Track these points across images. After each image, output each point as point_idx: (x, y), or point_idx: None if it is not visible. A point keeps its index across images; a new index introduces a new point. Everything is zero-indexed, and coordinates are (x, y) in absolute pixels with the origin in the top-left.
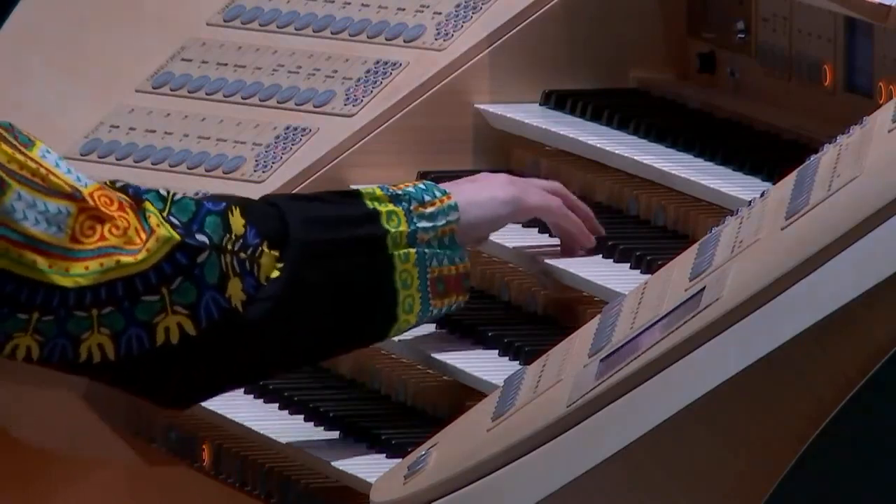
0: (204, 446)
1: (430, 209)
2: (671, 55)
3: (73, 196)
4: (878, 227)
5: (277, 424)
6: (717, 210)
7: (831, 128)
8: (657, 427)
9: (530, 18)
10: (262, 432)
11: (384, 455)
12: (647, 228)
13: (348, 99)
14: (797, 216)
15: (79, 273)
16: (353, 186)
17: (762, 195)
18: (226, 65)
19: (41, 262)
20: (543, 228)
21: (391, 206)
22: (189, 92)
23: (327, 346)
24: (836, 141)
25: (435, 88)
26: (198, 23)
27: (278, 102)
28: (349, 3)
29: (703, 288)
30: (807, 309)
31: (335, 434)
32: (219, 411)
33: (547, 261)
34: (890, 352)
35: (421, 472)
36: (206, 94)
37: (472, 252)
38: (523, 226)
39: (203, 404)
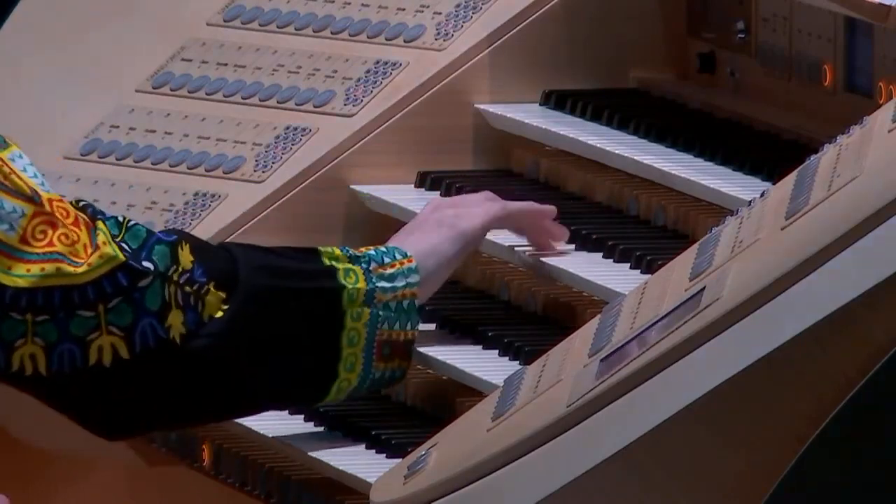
0: (204, 446)
1: (389, 270)
2: (671, 55)
3: (32, 199)
4: (878, 227)
5: (277, 424)
6: (717, 210)
7: (831, 128)
8: (657, 427)
9: (530, 18)
10: (262, 432)
11: (384, 455)
12: (647, 228)
13: (348, 99)
14: (797, 216)
15: (19, 274)
16: (319, 247)
17: (762, 195)
18: (226, 65)
19: None
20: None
21: (349, 265)
22: (189, 92)
23: (262, 396)
24: (836, 141)
25: (435, 88)
26: (198, 23)
27: (278, 102)
28: (349, 3)
29: (703, 288)
30: (807, 309)
31: (335, 434)
32: None
33: (544, 259)
34: (890, 352)
35: (421, 472)
36: (206, 94)
37: (472, 252)
38: None
39: None
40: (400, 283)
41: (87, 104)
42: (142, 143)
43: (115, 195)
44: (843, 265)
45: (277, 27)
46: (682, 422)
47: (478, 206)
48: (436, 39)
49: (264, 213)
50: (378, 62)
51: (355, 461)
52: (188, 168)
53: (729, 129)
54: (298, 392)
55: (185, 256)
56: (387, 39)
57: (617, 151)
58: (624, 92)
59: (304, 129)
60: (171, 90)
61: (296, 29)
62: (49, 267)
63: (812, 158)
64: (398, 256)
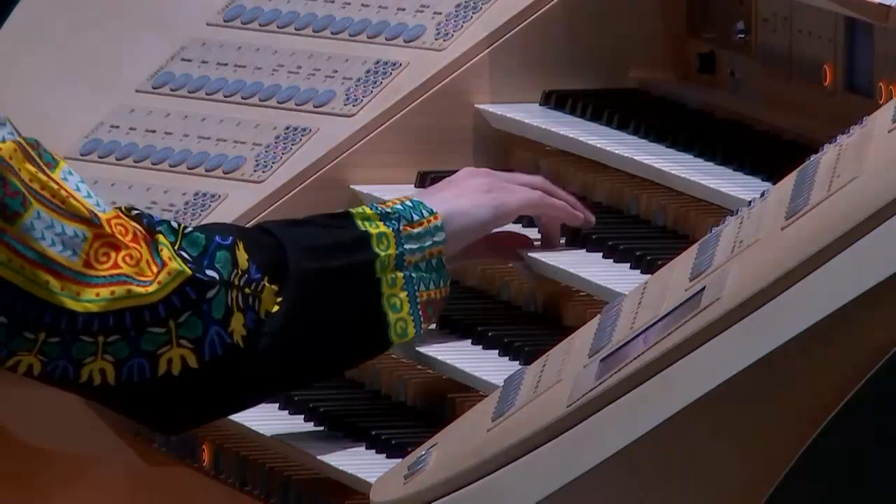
0: (204, 446)
1: (417, 229)
2: (671, 55)
3: (91, 221)
4: (878, 227)
5: (277, 424)
6: (717, 210)
7: (831, 128)
8: (657, 427)
9: (530, 18)
10: (262, 432)
11: (384, 455)
12: (647, 228)
13: (348, 99)
14: (797, 216)
15: (89, 299)
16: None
17: (762, 195)
18: (226, 65)
19: (54, 283)
20: (529, 223)
21: (381, 227)
22: (189, 92)
23: (322, 372)
24: (836, 141)
25: (435, 88)
26: (198, 23)
27: (278, 102)
28: (349, 3)
29: (703, 288)
30: (807, 309)
31: (335, 434)
32: None
33: (534, 255)
34: (890, 352)
35: (421, 472)
36: (206, 94)
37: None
38: (512, 221)
39: None
40: (427, 243)
41: (87, 104)
42: (142, 143)
43: (115, 195)
44: (843, 265)
45: (277, 27)
46: (682, 422)
47: (519, 186)
48: (436, 39)
49: (264, 213)
50: (378, 62)
51: (355, 461)
52: (188, 168)
53: (729, 129)
54: (354, 360)
55: (242, 256)
56: (387, 39)
57: (617, 151)
58: (624, 92)
59: (304, 129)
60: (171, 90)
61: (296, 29)
62: (119, 290)
63: (812, 158)
64: (425, 213)
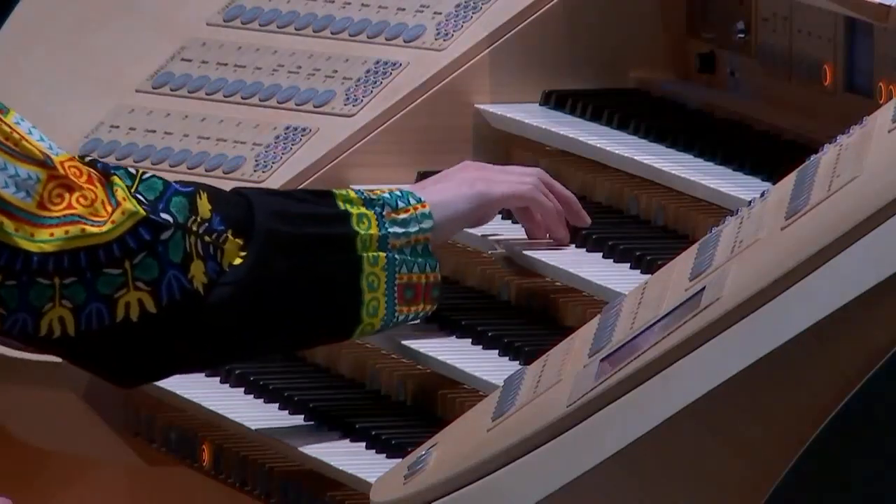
0: (204, 446)
1: (402, 215)
2: (671, 55)
3: (44, 163)
4: (877, 227)
5: (277, 424)
6: (717, 210)
7: (831, 128)
8: (657, 427)
9: (530, 18)
10: (262, 432)
11: (384, 455)
12: (647, 228)
13: (348, 99)
14: (797, 216)
15: (43, 239)
16: (335, 189)
17: (762, 195)
18: (226, 65)
19: (7, 224)
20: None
21: (363, 209)
22: (189, 92)
23: (286, 339)
24: (836, 141)
25: (435, 88)
26: (198, 23)
27: (278, 102)
28: (349, 3)
29: (703, 288)
30: (807, 309)
31: (335, 434)
32: (219, 411)
33: (534, 255)
34: (890, 352)
35: (421, 472)
36: (206, 94)
37: (472, 252)
38: (512, 221)
39: (203, 404)
40: (413, 229)
41: (87, 104)
42: (142, 143)
43: None
44: (843, 265)
45: (277, 27)
46: (682, 422)
47: (508, 177)
48: (436, 39)
49: None
50: (378, 62)
51: (355, 461)
52: (188, 168)
53: (729, 129)
54: (321, 335)
55: (204, 206)
56: (387, 39)
57: (617, 151)
58: (624, 92)
59: (304, 129)
60: (171, 90)
61: (296, 29)
62: (73, 229)
63: (812, 158)
64: (412, 202)
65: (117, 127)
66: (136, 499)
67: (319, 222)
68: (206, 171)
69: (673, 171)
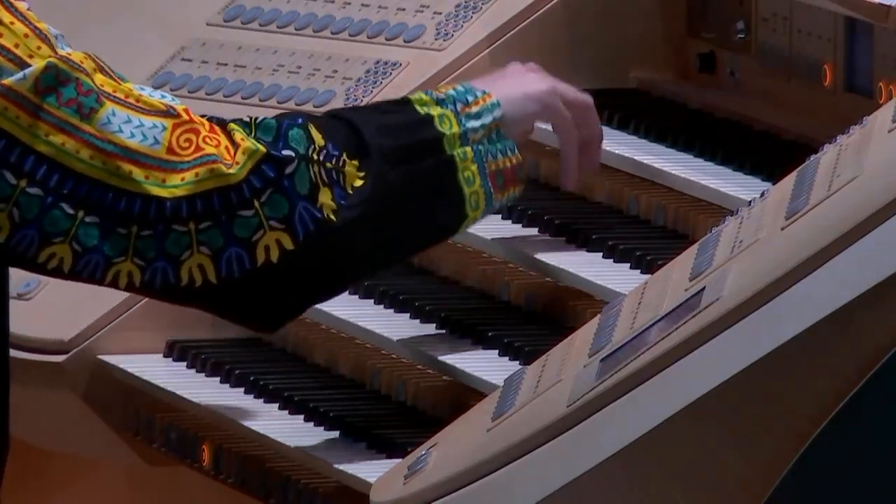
0: (204, 446)
1: (475, 108)
2: (671, 55)
3: (168, 112)
4: (877, 227)
5: (277, 424)
6: (717, 210)
7: (831, 128)
8: (657, 427)
9: (530, 18)
10: (262, 432)
11: (384, 455)
12: (647, 228)
13: (348, 99)
14: (797, 216)
15: (175, 184)
16: (407, 95)
17: (762, 195)
18: (226, 65)
19: (137, 172)
20: (529, 223)
21: (441, 109)
22: (189, 92)
23: (407, 245)
24: (836, 141)
25: None
26: (198, 23)
27: (278, 102)
28: (349, 3)
29: (703, 288)
30: (807, 309)
31: (335, 434)
32: (219, 411)
33: (535, 255)
34: (890, 352)
35: (421, 472)
36: (206, 94)
37: (472, 252)
38: (512, 221)
39: (203, 404)
40: (487, 119)
41: None
42: None
43: None
44: (843, 265)
45: (277, 27)
46: (682, 422)
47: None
48: (436, 39)
49: None
50: (378, 62)
51: (355, 461)
52: None
53: (729, 129)
54: (435, 236)
55: (317, 134)
56: (387, 39)
57: (617, 151)
58: (624, 92)
59: None
60: (171, 90)
61: (296, 29)
62: (202, 171)
63: (812, 158)
64: (479, 94)
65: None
66: (136, 499)
67: (412, 130)
68: None
69: (673, 171)
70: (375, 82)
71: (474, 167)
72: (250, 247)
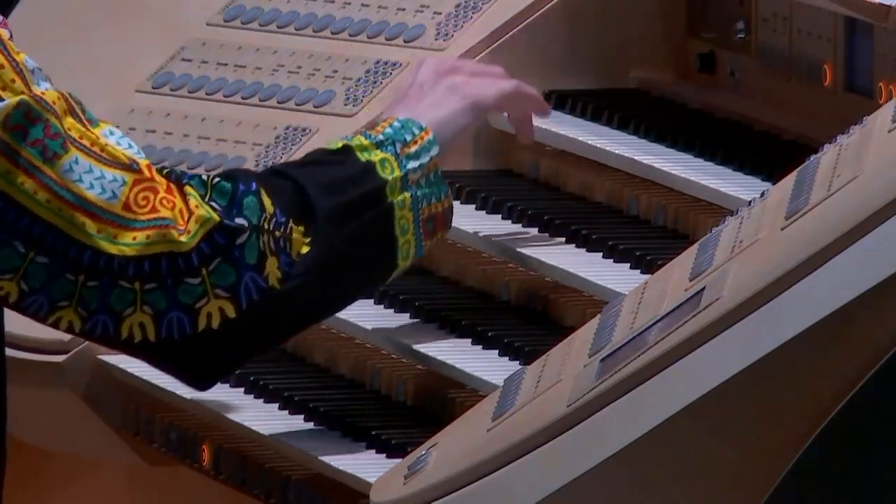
0: (204, 446)
1: (413, 148)
2: (671, 55)
3: (130, 167)
4: (878, 227)
5: (277, 424)
6: (717, 210)
7: (831, 128)
8: (657, 427)
9: (530, 18)
10: (262, 432)
11: (384, 455)
12: (647, 228)
13: (348, 99)
14: (797, 216)
15: (126, 242)
16: (346, 141)
17: (762, 195)
18: (226, 65)
19: (90, 225)
20: (528, 223)
21: (381, 154)
22: (189, 92)
23: (345, 300)
24: (836, 141)
25: None
26: (198, 23)
27: (278, 102)
28: (349, 3)
29: (703, 288)
30: (807, 309)
31: (335, 434)
32: (219, 411)
33: (534, 255)
34: (890, 352)
35: (421, 472)
36: (206, 94)
37: (472, 252)
38: (512, 221)
39: (203, 404)
40: (425, 159)
41: (87, 104)
42: (142, 143)
43: None
44: (843, 265)
45: (277, 27)
46: (682, 422)
47: (485, 79)
48: (436, 39)
49: None
50: (378, 62)
51: (355, 461)
52: (188, 168)
53: (729, 129)
54: (370, 288)
55: (267, 200)
56: (387, 39)
57: (617, 151)
58: (624, 92)
59: (304, 129)
60: (171, 90)
61: (296, 29)
62: (154, 234)
63: (812, 158)
64: (416, 132)
65: (117, 127)
66: (136, 499)
67: (355, 182)
68: (206, 171)
69: (673, 171)
70: (375, 82)
71: (410, 215)
72: (193, 312)
